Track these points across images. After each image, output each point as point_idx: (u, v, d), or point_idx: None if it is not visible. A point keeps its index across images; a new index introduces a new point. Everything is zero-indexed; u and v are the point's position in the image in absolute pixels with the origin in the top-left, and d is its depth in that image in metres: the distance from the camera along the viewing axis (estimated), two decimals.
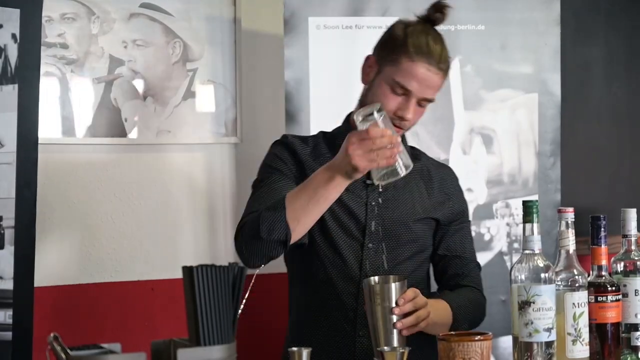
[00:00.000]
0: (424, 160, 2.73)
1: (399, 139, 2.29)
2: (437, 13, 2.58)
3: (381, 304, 2.29)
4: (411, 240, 2.61)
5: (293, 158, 2.61)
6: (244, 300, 1.93)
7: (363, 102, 2.58)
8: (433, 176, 2.70)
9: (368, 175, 2.55)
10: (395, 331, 2.29)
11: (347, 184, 2.36)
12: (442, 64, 2.52)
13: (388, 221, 2.58)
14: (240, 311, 1.89)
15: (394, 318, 2.28)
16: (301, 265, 2.63)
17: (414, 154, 2.69)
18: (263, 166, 2.65)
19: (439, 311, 2.47)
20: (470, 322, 2.58)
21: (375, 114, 2.32)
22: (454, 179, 2.76)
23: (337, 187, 2.36)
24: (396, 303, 2.29)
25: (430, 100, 2.55)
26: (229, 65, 3.93)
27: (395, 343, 2.28)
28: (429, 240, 2.66)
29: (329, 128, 2.77)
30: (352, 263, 2.56)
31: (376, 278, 2.36)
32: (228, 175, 3.96)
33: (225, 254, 3.89)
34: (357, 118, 2.34)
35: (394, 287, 2.30)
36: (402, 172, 2.33)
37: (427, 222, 2.64)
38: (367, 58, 2.60)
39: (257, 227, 2.40)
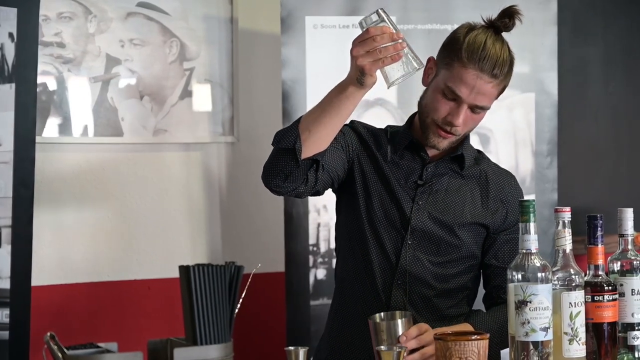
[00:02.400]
0: (484, 165, 2.68)
1: (402, 35, 2.22)
2: (504, 19, 2.56)
3: (387, 340, 2.28)
4: (454, 246, 2.58)
5: (357, 137, 2.61)
6: (241, 300, 1.93)
7: (420, 104, 2.58)
8: (490, 182, 2.65)
9: (420, 175, 2.58)
10: None
11: (361, 94, 2.31)
12: (497, 70, 2.48)
13: (432, 222, 2.56)
14: (237, 310, 1.89)
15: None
16: (346, 242, 2.62)
17: (477, 158, 2.69)
18: None
19: None
20: (503, 347, 2.47)
21: (375, 17, 2.24)
22: (514, 187, 2.69)
23: (350, 98, 2.32)
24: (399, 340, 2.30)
25: (483, 108, 2.52)
26: (226, 65, 3.93)
27: None
28: (475, 247, 2.62)
29: None
30: (391, 254, 2.55)
31: (382, 314, 2.36)
32: (225, 175, 3.96)
33: (222, 254, 3.89)
34: (360, 25, 2.26)
35: (399, 323, 2.30)
36: (412, 69, 2.23)
37: (475, 228, 2.60)
38: (429, 60, 2.58)
39: (270, 159, 2.41)
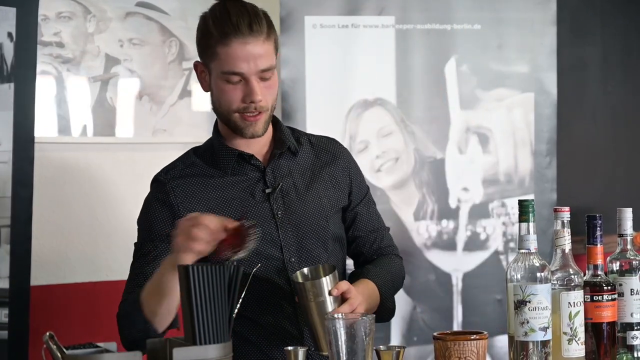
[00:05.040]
0: (304, 139, 2.55)
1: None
2: None
3: (314, 299, 2.23)
4: (330, 238, 2.48)
5: (170, 211, 2.44)
6: (240, 300, 1.93)
7: (216, 109, 2.45)
8: (321, 154, 2.54)
9: (265, 183, 2.45)
10: None
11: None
12: (255, 24, 2.35)
13: (301, 233, 2.44)
14: (236, 310, 1.89)
15: (329, 309, 2.23)
16: None
17: (295, 136, 2.53)
18: (141, 225, 2.49)
19: (371, 297, 2.39)
20: (394, 294, 2.53)
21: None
22: (345, 152, 2.61)
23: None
24: (330, 293, 2.23)
25: (270, 69, 2.38)
26: None
27: None
28: (341, 227, 2.55)
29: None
30: (283, 284, 2.40)
31: (305, 271, 2.30)
32: None
33: None
34: None
35: (325, 281, 2.24)
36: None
37: (338, 212, 2.53)
38: (195, 66, 2.47)
39: (124, 332, 2.34)
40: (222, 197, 2.43)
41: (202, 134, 3.88)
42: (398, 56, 3.84)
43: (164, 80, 3.81)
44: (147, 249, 2.42)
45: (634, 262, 2.33)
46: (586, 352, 2.22)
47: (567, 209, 2.24)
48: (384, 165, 3.85)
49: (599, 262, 2.27)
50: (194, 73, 3.91)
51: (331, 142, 2.61)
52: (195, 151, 2.55)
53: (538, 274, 2.14)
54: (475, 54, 3.91)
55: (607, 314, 2.25)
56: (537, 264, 2.15)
